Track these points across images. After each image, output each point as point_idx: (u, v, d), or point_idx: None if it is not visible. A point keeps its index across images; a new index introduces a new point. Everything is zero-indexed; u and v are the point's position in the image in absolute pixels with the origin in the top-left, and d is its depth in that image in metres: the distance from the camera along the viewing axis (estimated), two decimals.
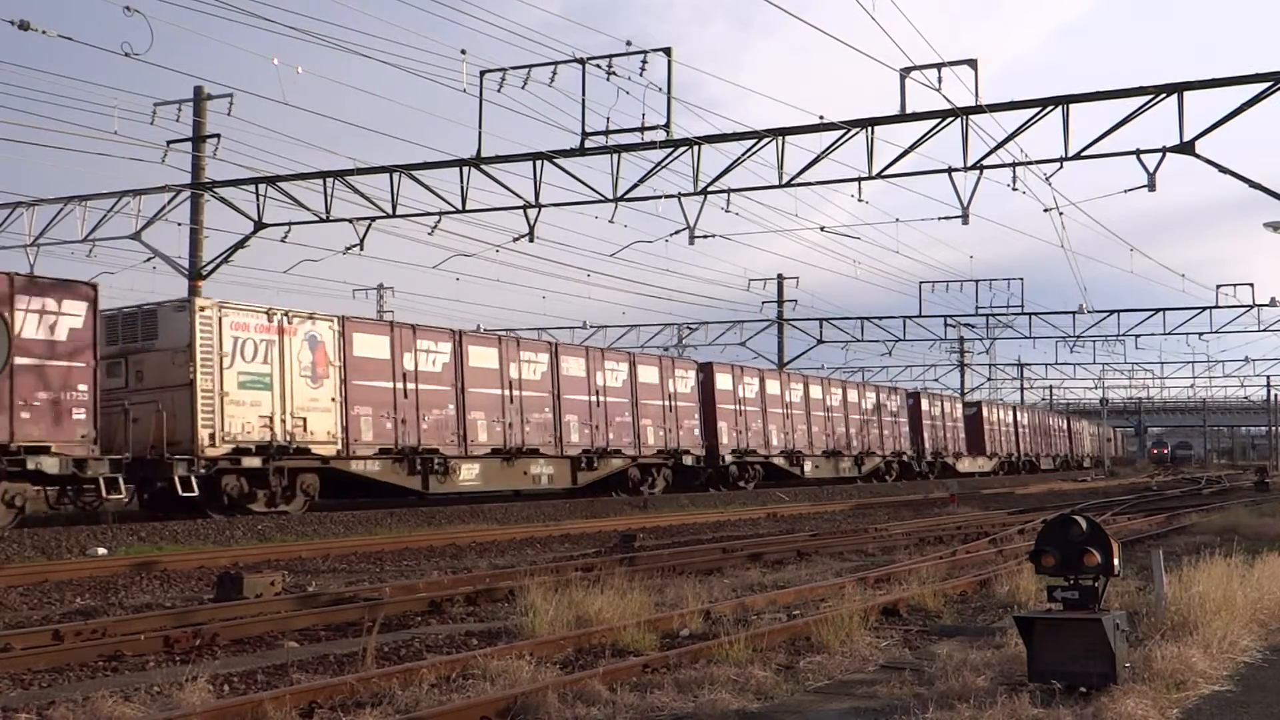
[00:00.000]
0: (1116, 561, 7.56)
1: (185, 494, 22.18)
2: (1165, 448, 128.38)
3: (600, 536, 22.53)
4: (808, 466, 44.25)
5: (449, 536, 21.98)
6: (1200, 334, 55.56)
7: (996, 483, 55.48)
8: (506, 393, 30.22)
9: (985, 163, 23.94)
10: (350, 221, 28.03)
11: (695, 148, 24.86)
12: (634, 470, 35.19)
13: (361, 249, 28.31)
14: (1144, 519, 25.83)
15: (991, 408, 67.99)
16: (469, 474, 28.81)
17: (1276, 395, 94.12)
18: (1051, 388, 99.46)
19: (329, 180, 27.17)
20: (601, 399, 33.63)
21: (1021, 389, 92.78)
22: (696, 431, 37.83)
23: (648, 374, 35.84)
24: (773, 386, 42.89)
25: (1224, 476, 65.24)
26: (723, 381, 39.86)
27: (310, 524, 23.27)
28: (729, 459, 39.54)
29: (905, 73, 22.95)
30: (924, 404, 56.61)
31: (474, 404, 29.17)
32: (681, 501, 34.05)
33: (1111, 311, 53.55)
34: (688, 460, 37.14)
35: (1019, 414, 72.72)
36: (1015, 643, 8.19)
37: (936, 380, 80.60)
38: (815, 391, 46.29)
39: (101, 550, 18.77)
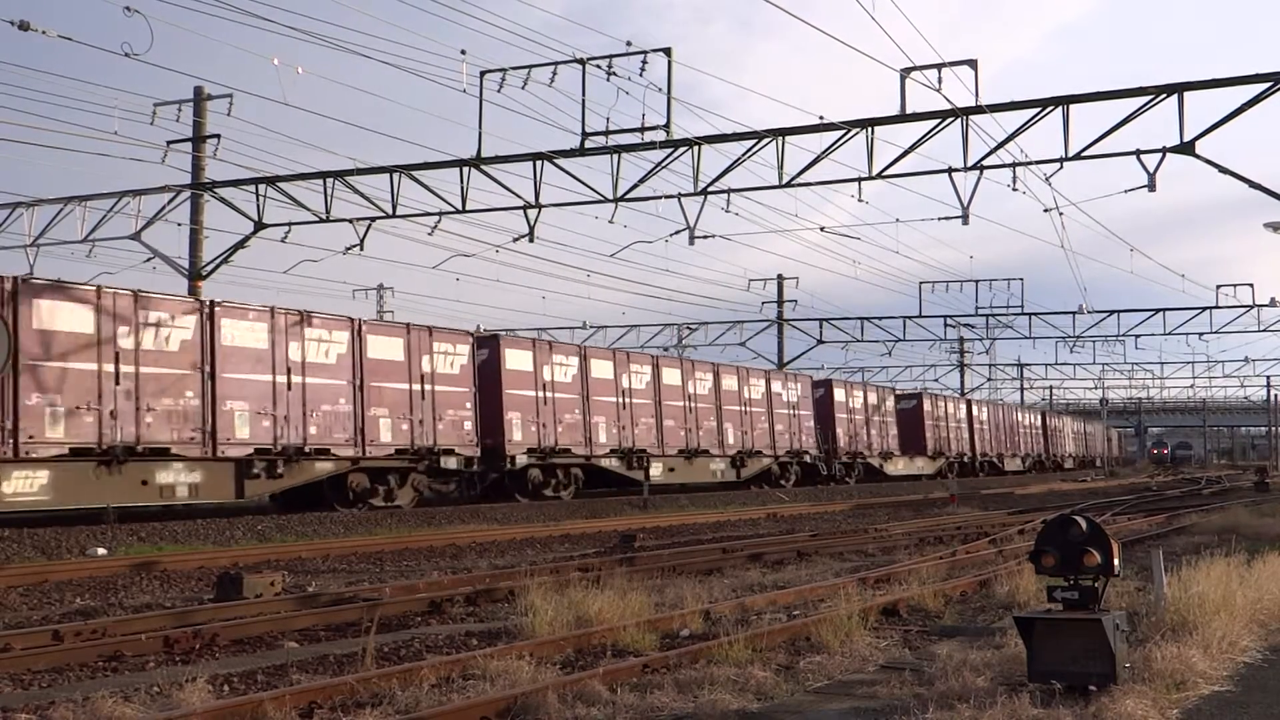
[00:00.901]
0: (1116, 562, 7.56)
1: None
2: (1165, 448, 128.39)
3: (600, 536, 22.53)
4: (655, 469, 35.42)
5: (449, 536, 21.98)
6: (1200, 334, 55.68)
7: (981, 485, 55.32)
8: (110, 368, 21.50)
9: (985, 163, 23.97)
10: (350, 221, 28.05)
11: (695, 148, 24.88)
12: (358, 476, 26.35)
13: (361, 249, 28.35)
14: (1144, 519, 25.84)
15: (936, 400, 59.39)
16: (27, 485, 20.40)
17: (1276, 395, 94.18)
18: (1051, 388, 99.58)
19: (329, 180, 27.20)
20: (295, 379, 24.78)
21: (1021, 389, 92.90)
22: (468, 425, 28.98)
23: (384, 348, 27.12)
24: (601, 369, 34.22)
25: (1224, 477, 65.27)
26: (516, 360, 31.18)
27: (310, 524, 23.27)
28: (524, 460, 30.81)
29: (905, 73, 22.97)
30: (837, 394, 48.01)
31: (42, 383, 20.58)
32: (681, 502, 34.04)
33: (1111, 312, 53.67)
34: (451, 462, 28.36)
35: (975, 408, 64.26)
36: (1015, 643, 8.19)
37: (936, 380, 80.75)
38: (670, 376, 37.16)
39: (101, 550, 18.77)
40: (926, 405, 57.10)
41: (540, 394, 31.79)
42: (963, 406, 62.65)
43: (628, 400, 35.05)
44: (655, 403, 36.27)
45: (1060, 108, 22.92)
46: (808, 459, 44.80)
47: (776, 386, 43.42)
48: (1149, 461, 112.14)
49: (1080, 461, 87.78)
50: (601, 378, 34.14)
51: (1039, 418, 78.30)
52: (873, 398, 51.53)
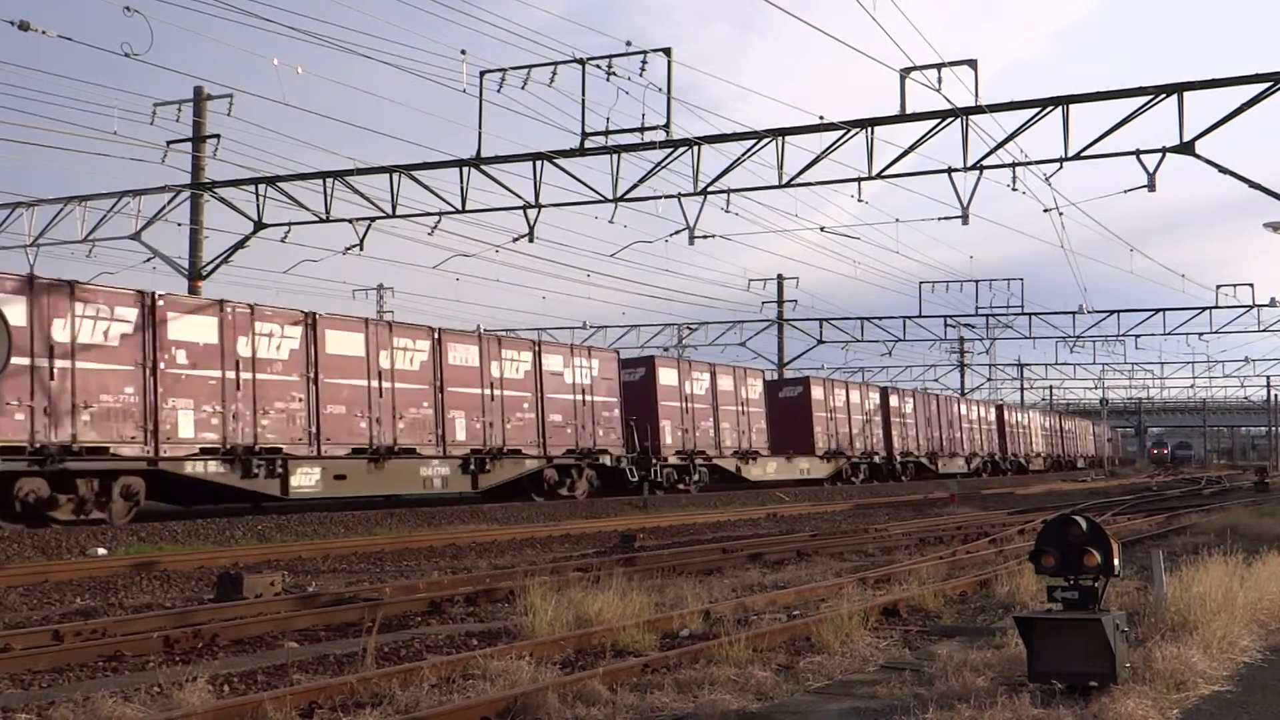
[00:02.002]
0: (1116, 561, 7.56)
1: None
2: (1165, 448, 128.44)
3: (600, 536, 22.53)
4: (305, 476, 24.39)
5: (449, 536, 21.98)
6: (1200, 334, 55.79)
7: (982, 485, 55.19)
8: None
9: (985, 163, 23.98)
10: (350, 221, 28.06)
11: (695, 148, 24.88)
12: None
13: (361, 249, 28.37)
14: (1144, 519, 25.83)
15: (832, 387, 47.77)
16: None
17: (1276, 395, 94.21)
18: (1052, 388, 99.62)
19: (329, 180, 27.22)
20: None
21: (1021, 389, 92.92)
22: None
23: None
24: (186, 329, 22.77)
25: (1224, 477, 65.24)
26: None
27: (310, 524, 23.25)
28: None
29: (905, 73, 22.98)
30: (663, 376, 36.75)
31: None
32: (681, 502, 34.03)
33: (1111, 312, 53.71)
34: None
35: (893, 397, 52.30)
36: (1015, 643, 8.19)
37: (936, 380, 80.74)
38: (342, 344, 25.88)
39: (101, 550, 18.76)
40: (816, 393, 46.02)
41: (45, 365, 20.34)
42: (874, 395, 51.13)
43: (245, 375, 23.78)
44: (308, 381, 24.94)
45: (1060, 108, 22.92)
46: (606, 461, 33.52)
47: (554, 363, 32.05)
48: (1149, 461, 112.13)
49: (1055, 463, 77.97)
50: (187, 340, 22.82)
51: (992, 412, 67.58)
52: (726, 382, 39.65)
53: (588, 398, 32.98)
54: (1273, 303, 50.50)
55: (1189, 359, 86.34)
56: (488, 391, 29.66)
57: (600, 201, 25.83)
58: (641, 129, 23.91)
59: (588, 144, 24.49)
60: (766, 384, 44.44)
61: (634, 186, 25.59)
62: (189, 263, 30.32)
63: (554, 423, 31.65)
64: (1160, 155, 22.70)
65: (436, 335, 28.59)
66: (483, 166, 25.81)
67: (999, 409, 69.27)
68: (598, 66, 23.26)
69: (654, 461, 35.28)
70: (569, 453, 32.22)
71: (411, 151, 61.43)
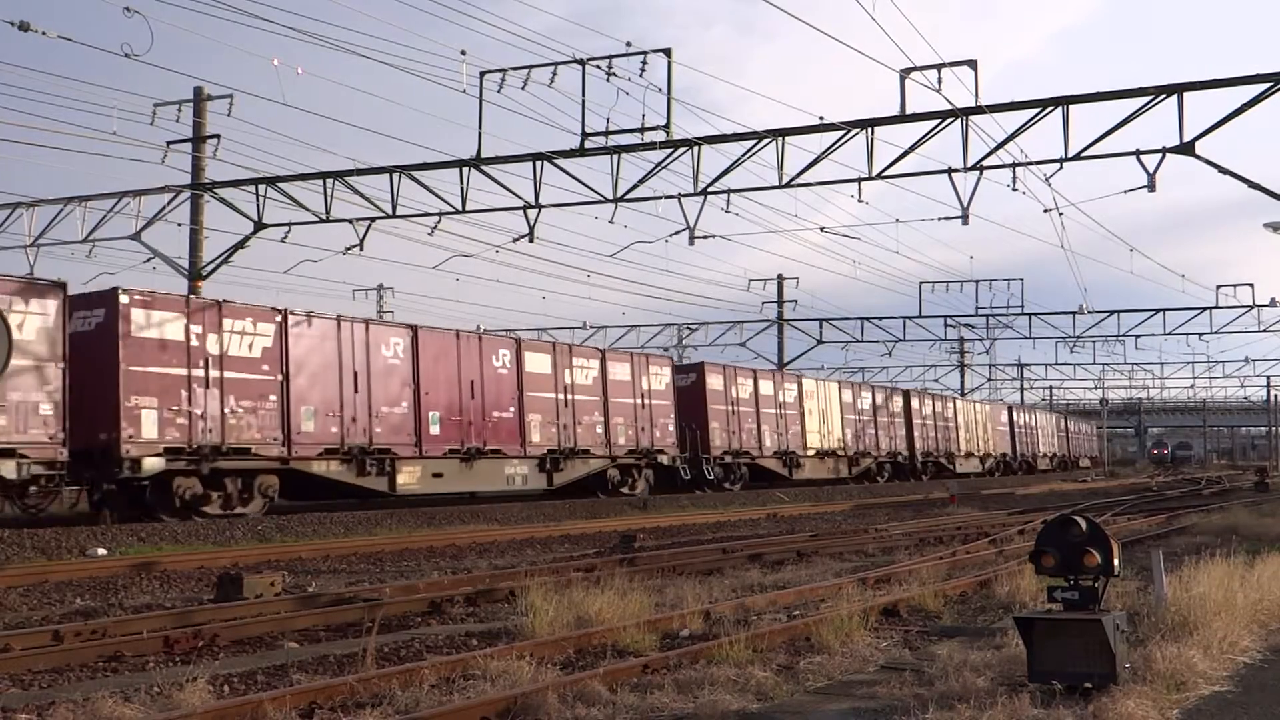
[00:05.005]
0: (1116, 562, 7.56)
1: None
2: (1165, 448, 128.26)
3: (600, 537, 22.53)
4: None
5: (449, 537, 21.98)
6: (1200, 334, 55.70)
7: (982, 486, 55.07)
8: None
9: (985, 163, 23.97)
10: (350, 222, 28.06)
11: (695, 148, 24.88)
12: None
13: (361, 249, 28.37)
14: (1144, 519, 25.82)
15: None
16: None
17: (1276, 395, 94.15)
18: (1051, 388, 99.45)
19: (329, 180, 27.21)
20: None
21: (1021, 389, 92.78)
22: None
23: None
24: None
25: (1224, 477, 65.20)
26: None
27: (310, 524, 23.25)
28: None
29: (905, 73, 22.98)
30: (366, 341, 25.85)
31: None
32: (682, 502, 34.02)
33: (1111, 312, 53.68)
34: None
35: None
36: (1015, 643, 8.19)
37: (936, 380, 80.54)
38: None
39: (101, 550, 18.76)
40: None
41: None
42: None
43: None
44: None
45: (1060, 108, 22.92)
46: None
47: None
48: (1149, 462, 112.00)
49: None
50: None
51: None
52: (465, 349, 28.22)
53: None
54: (1273, 303, 50.53)
55: (1189, 359, 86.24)
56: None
57: (600, 202, 25.84)
58: (642, 129, 23.92)
59: (588, 144, 24.50)
60: None
61: (634, 187, 25.59)
62: (189, 263, 30.30)
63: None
64: (1160, 155, 22.71)
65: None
66: (483, 167, 25.82)
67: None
68: (598, 67, 23.27)
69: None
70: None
71: (411, 151, 61.44)
